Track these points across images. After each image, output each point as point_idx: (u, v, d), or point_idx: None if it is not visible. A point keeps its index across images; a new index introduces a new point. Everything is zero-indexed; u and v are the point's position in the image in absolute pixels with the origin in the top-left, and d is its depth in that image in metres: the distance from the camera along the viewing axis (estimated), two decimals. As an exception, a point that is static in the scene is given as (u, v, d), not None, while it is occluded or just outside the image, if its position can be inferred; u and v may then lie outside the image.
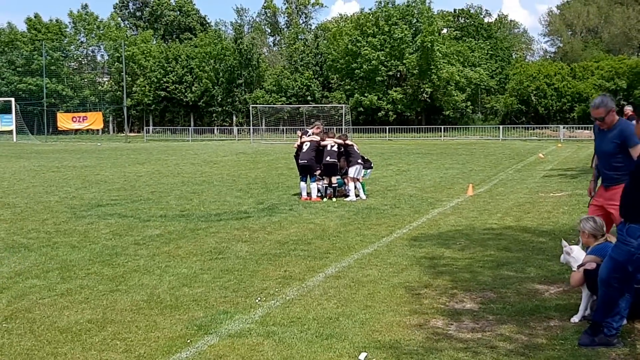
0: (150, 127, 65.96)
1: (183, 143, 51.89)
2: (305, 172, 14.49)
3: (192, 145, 46.43)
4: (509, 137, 48.14)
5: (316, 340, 5.56)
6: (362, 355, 5.14)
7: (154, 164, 26.95)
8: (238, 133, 61.07)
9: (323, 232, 10.63)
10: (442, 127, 51.91)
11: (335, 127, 45.24)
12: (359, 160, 14.42)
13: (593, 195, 7.16)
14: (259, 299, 6.82)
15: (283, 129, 57.44)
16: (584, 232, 6.24)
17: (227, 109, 69.26)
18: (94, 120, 64.11)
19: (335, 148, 14.61)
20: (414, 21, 60.53)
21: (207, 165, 25.82)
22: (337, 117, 53.68)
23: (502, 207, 12.99)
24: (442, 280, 7.40)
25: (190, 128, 62.22)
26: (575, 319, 5.97)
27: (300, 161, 14.48)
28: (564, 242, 6.48)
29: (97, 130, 68.77)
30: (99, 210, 13.41)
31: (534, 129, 50.53)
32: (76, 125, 64.15)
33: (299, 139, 15.23)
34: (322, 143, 14.56)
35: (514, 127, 51.71)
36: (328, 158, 14.50)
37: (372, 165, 15.49)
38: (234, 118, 69.38)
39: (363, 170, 14.60)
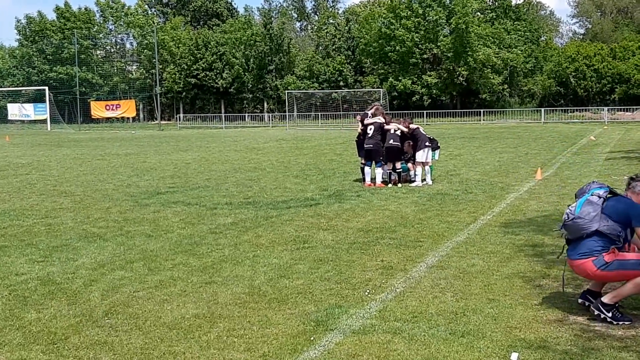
0: (181, 115, 65.76)
1: (217, 130, 51.65)
2: (371, 157, 13.98)
3: (226, 132, 46.15)
4: (550, 121, 47.17)
5: (451, 338, 5.10)
6: (514, 356, 4.66)
7: (197, 151, 26.64)
8: (270, 120, 60.66)
9: (403, 219, 10.16)
10: (480, 110, 51.03)
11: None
12: (427, 143, 13.88)
13: None
14: (367, 291, 6.38)
15: (316, 115, 56.92)
16: None
17: (258, 95, 68.88)
18: (127, 108, 64.18)
19: (398, 132, 14.08)
20: (448, 2, 59.39)
21: (251, 152, 25.45)
22: (371, 101, 52.95)
23: (581, 192, 12.40)
24: (558, 270, 6.88)
25: (221, 115, 61.94)
26: None
27: (365, 146, 13.94)
28: None
29: (129, 118, 68.83)
30: (160, 198, 13.06)
31: (573, 112, 49.49)
32: (109, 114, 64.28)
33: (359, 123, 14.72)
34: (386, 127, 14.03)
35: (553, 110, 50.66)
36: (391, 141, 13.96)
37: (438, 144, 14.95)
38: (265, 105, 68.99)
39: (431, 152, 14.07)
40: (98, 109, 64.08)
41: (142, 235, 9.28)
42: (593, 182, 5.93)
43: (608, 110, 47.14)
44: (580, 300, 5.72)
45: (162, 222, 10.36)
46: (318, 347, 5.01)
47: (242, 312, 5.84)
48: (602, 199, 5.51)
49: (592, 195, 5.58)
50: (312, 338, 5.19)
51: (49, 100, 60.41)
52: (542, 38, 73.41)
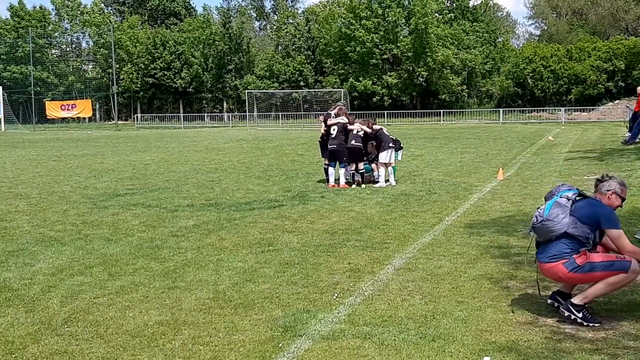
0: (139, 115, 64.84)
1: (175, 130, 51.05)
2: (335, 157, 13.88)
3: (186, 133, 45.62)
4: (509, 121, 47.73)
5: (422, 342, 5.02)
6: (487, 360, 4.62)
7: (156, 151, 26.25)
8: (230, 120, 60.21)
9: (368, 220, 10.08)
10: (440, 111, 51.45)
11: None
12: (390, 144, 13.83)
13: None
14: (335, 295, 6.28)
15: (276, 115, 56.69)
16: None
17: (217, 95, 68.35)
18: (83, 108, 63.03)
19: (361, 133, 14.01)
20: (407, 3, 59.72)
21: (211, 152, 25.17)
22: (332, 102, 52.94)
23: (543, 192, 12.44)
24: (526, 272, 6.87)
25: (180, 115, 61.33)
26: None
27: (329, 146, 13.82)
28: None
29: (85, 118, 67.63)
30: (119, 200, 12.77)
31: (531, 112, 50.18)
32: (65, 114, 63.04)
33: (322, 124, 14.61)
34: (350, 127, 13.95)
35: (511, 111, 51.31)
36: (353, 142, 13.89)
37: (401, 145, 14.91)
38: (225, 104, 68.47)
39: (394, 153, 14.03)
40: (53, 109, 62.79)
41: (101, 239, 9.03)
42: (562, 184, 5.91)
43: (565, 110, 47.93)
44: (549, 301, 5.70)
45: (121, 225, 10.11)
46: (287, 354, 4.88)
47: (207, 319, 5.69)
48: (570, 201, 5.49)
49: (560, 197, 5.57)
50: (280, 344, 5.06)
51: (3, 100, 58.96)
52: (500, 39, 74.40)
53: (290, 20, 75.43)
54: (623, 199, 5.63)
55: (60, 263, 7.72)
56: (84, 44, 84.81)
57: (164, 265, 7.55)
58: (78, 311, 5.94)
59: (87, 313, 5.89)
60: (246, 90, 57.23)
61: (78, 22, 79.90)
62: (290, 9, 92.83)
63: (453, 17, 65.48)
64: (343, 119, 13.98)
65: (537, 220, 5.56)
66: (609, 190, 5.57)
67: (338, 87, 57.24)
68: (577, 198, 5.54)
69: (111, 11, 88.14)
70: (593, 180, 6.00)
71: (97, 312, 5.90)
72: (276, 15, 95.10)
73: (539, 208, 5.72)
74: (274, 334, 5.30)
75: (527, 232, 5.92)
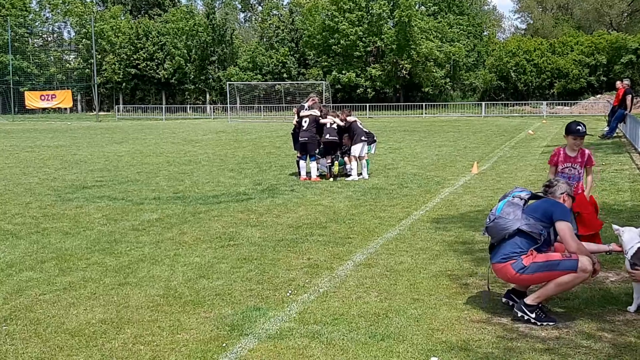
0: (121, 106, 64.19)
1: (157, 122, 50.62)
2: (306, 150, 13.68)
3: (166, 124, 45.22)
4: (491, 114, 47.68)
5: (371, 342, 4.86)
6: (434, 361, 4.46)
7: (133, 143, 25.92)
8: (212, 111, 59.77)
9: (335, 214, 9.91)
10: (423, 104, 51.31)
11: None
12: (363, 137, 13.64)
13: None
14: (289, 292, 6.10)
15: (259, 107, 56.35)
16: None
17: (200, 86, 67.82)
18: (63, 98, 62.25)
19: (335, 126, 13.80)
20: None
21: (188, 144, 24.88)
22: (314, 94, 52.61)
23: (517, 185, 12.35)
24: (486, 268, 6.71)
25: (162, 106, 60.81)
26: (631, 308, 5.44)
27: (300, 139, 13.62)
28: (616, 227, 5.73)
29: (66, 109, 66.90)
30: (86, 192, 12.51)
31: (513, 106, 50.19)
32: (44, 104, 62.24)
33: (296, 115, 14.41)
34: (322, 121, 13.74)
35: (494, 104, 51.25)
36: (328, 136, 13.70)
37: (375, 138, 14.71)
38: (208, 96, 67.98)
39: (367, 147, 13.85)
40: (32, 99, 62.00)
41: (59, 233, 8.79)
42: (515, 187, 5.89)
43: (547, 104, 47.94)
44: (504, 300, 5.57)
45: (82, 218, 9.87)
46: (229, 355, 4.70)
47: (153, 317, 5.49)
48: (523, 200, 5.48)
49: (513, 197, 5.50)
50: (224, 344, 4.88)
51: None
52: (485, 33, 74.33)
53: (275, 12, 74.93)
54: (573, 199, 5.84)
55: (12, 258, 7.48)
56: (65, 34, 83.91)
57: (119, 260, 7.33)
58: (20, 309, 5.73)
59: (30, 311, 5.67)
60: (228, 82, 56.77)
61: (60, 12, 78.87)
62: (275, 0, 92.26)
63: (438, 10, 65.20)
64: (315, 112, 13.77)
65: (489, 220, 5.47)
66: (562, 193, 5.63)
67: (321, 80, 56.94)
68: (530, 199, 5.57)
69: (94, 1, 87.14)
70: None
71: (39, 310, 5.69)
72: (261, 6, 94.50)
73: (491, 209, 5.63)
74: (220, 332, 5.12)
75: (481, 232, 5.88)
